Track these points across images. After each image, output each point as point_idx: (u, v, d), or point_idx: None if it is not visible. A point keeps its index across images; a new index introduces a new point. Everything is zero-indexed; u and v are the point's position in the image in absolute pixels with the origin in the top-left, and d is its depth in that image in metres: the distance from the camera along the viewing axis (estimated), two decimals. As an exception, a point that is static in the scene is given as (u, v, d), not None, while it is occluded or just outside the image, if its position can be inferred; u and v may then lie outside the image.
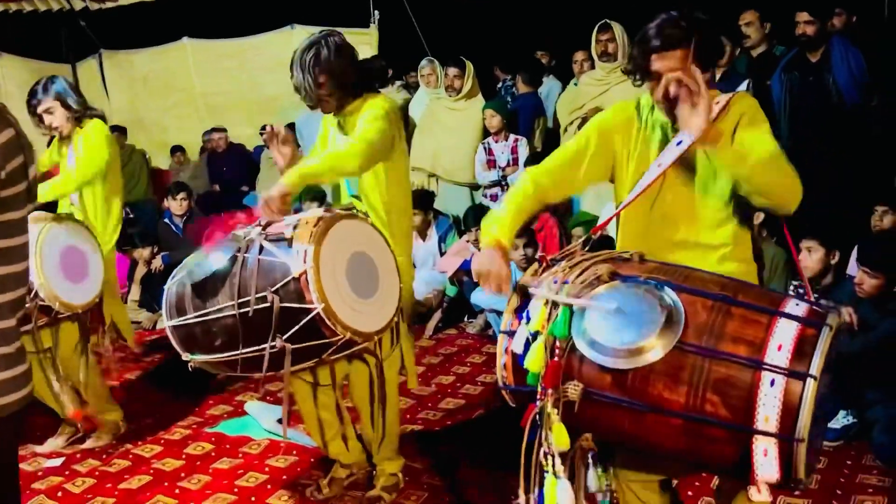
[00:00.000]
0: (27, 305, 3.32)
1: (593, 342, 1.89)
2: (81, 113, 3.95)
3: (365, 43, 7.56)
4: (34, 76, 8.96)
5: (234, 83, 8.68)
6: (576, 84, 5.95)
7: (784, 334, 1.79)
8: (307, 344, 2.69)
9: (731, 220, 2.27)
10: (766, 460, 1.77)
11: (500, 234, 2.27)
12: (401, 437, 3.53)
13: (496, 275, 2.19)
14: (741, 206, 2.26)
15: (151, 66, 9.27)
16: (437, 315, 5.55)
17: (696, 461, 1.96)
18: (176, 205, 6.39)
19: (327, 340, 2.69)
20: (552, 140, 6.11)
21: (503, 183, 5.92)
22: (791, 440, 1.72)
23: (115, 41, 9.32)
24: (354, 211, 3.04)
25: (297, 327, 2.64)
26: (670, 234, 2.29)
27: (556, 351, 1.93)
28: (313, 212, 2.89)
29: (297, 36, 7.93)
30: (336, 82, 2.98)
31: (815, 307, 1.91)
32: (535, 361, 1.95)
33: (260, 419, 4.11)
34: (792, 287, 4.04)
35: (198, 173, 8.69)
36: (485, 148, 5.97)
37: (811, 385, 1.72)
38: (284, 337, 2.65)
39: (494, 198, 5.96)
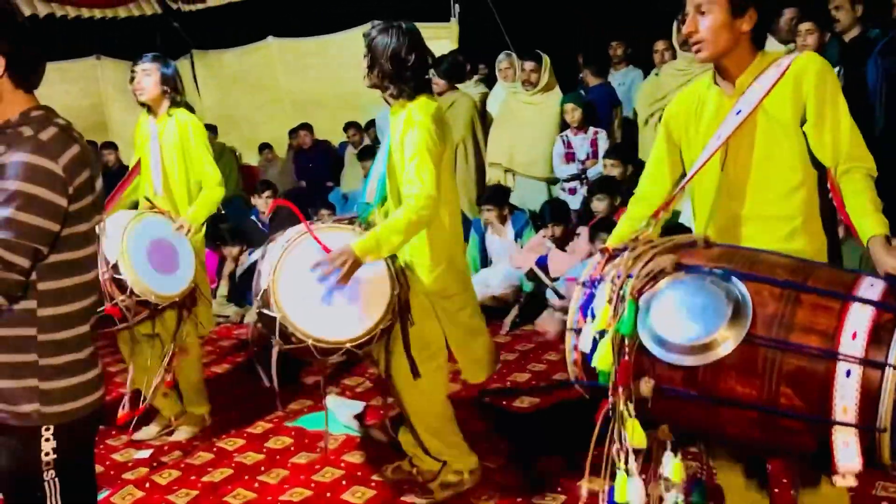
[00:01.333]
0: (126, 301, 3.56)
1: (661, 339, 1.86)
2: (174, 95, 4.01)
3: (445, 37, 7.61)
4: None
5: (317, 80, 8.86)
6: (657, 74, 5.82)
7: (858, 321, 1.72)
8: (293, 347, 2.86)
9: (799, 189, 2.21)
10: (847, 451, 1.72)
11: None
12: (473, 435, 3.58)
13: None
14: (810, 174, 2.21)
15: (239, 64, 9.55)
16: (514, 311, 5.54)
17: (775, 451, 1.96)
18: (262, 202, 6.59)
19: (304, 345, 2.83)
20: (631, 131, 6.00)
21: (583, 176, 5.85)
22: (873, 430, 1.67)
23: (205, 41, 9.63)
24: (349, 219, 3.13)
25: (278, 331, 2.83)
26: (737, 208, 2.25)
27: (625, 349, 1.90)
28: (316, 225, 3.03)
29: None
30: (379, 71, 2.98)
31: (894, 285, 1.80)
32: (603, 360, 1.93)
33: (337, 414, 4.21)
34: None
35: (285, 169, 8.92)
36: (563, 141, 5.91)
37: (890, 374, 1.66)
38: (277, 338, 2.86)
39: (573, 192, 5.90)
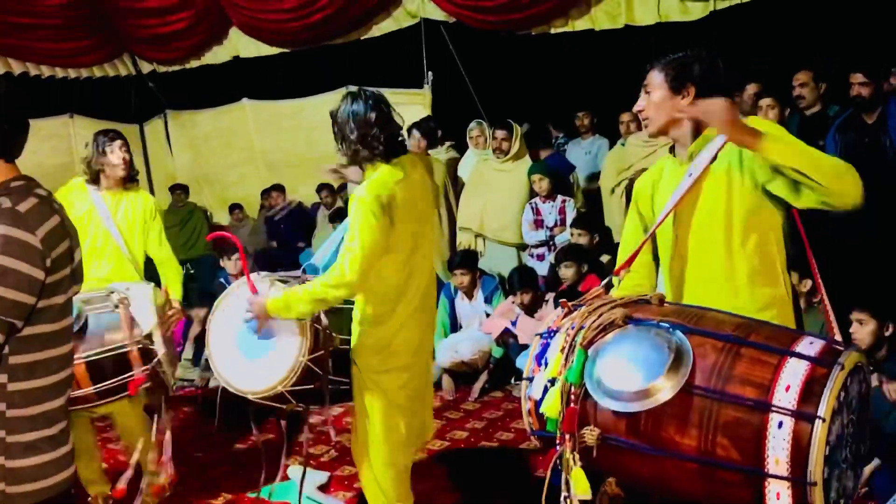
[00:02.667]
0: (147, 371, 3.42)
1: (604, 387, 1.90)
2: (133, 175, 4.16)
3: (418, 103, 7.71)
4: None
5: (291, 142, 8.91)
6: (623, 145, 5.94)
7: (793, 375, 1.77)
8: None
9: (742, 247, 2.32)
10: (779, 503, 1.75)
11: None
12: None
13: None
14: (761, 232, 2.32)
15: (213, 125, 9.58)
16: (483, 377, 5.52)
17: None
18: (231, 265, 6.54)
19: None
20: (597, 200, 6.09)
21: (551, 243, 5.91)
22: (804, 483, 1.69)
23: (180, 102, 9.68)
24: (295, 276, 3.27)
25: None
26: (684, 269, 2.39)
27: (572, 397, 1.95)
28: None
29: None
30: (347, 140, 3.00)
31: (833, 345, 1.85)
32: (551, 407, 1.98)
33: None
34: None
35: (256, 230, 8.90)
36: (532, 208, 5.98)
37: (819, 426, 1.69)
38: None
39: (541, 258, 5.95)
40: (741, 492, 1.79)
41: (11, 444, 1.81)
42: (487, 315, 5.69)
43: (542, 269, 5.82)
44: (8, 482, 1.81)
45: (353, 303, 3.14)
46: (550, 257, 5.82)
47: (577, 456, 1.94)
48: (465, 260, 5.71)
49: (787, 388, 1.75)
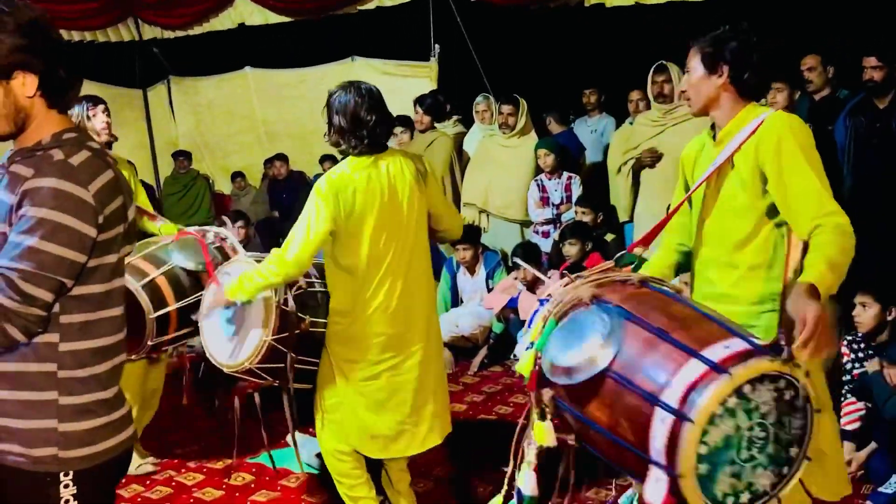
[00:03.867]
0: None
1: (551, 358, 2.13)
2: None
3: (424, 76, 7.67)
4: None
5: (293, 111, 8.85)
6: (631, 123, 5.90)
7: (686, 375, 1.91)
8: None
9: (748, 242, 2.42)
10: (656, 487, 1.92)
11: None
12: (438, 478, 3.54)
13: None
14: (768, 228, 2.41)
15: (216, 92, 9.52)
16: (483, 352, 5.53)
17: (632, 475, 2.13)
18: (233, 232, 6.53)
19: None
20: (602, 178, 6.06)
21: (557, 221, 5.89)
22: (673, 474, 1.87)
23: (183, 68, 9.61)
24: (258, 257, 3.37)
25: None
26: (704, 252, 2.48)
27: (538, 360, 2.17)
28: None
29: (358, 68, 8.07)
30: (335, 129, 3.06)
31: (754, 351, 1.93)
32: (524, 367, 2.20)
33: (301, 452, 4.14)
34: (846, 341, 3.92)
35: (258, 199, 8.88)
36: (538, 185, 5.96)
37: (687, 427, 1.84)
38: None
39: (546, 234, 5.94)
40: (637, 467, 2.00)
41: (64, 406, 1.75)
42: (489, 290, 5.69)
43: (546, 246, 5.81)
44: (61, 446, 1.74)
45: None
46: (555, 234, 5.81)
47: (538, 412, 2.22)
48: (467, 235, 5.69)
49: (674, 388, 1.90)
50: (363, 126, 3.00)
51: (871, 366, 3.54)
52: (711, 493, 1.93)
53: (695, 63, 2.45)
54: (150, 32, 9.13)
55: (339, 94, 3.05)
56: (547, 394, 2.17)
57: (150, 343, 3.55)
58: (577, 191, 5.85)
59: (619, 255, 2.46)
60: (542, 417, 2.22)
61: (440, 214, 3.26)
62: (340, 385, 3.17)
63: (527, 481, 2.29)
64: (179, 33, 8.88)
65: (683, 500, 1.89)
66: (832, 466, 2.55)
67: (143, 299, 3.48)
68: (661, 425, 1.89)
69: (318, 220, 2.97)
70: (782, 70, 5.21)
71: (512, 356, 5.65)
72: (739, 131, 2.39)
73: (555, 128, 6.58)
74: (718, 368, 1.88)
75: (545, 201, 5.94)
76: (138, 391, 3.87)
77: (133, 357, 3.61)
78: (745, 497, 1.99)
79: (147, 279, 3.52)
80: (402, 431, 3.20)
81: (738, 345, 1.96)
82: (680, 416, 1.86)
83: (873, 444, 3.69)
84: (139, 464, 3.99)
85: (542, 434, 2.22)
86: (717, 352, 1.94)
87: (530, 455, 2.28)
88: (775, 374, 1.92)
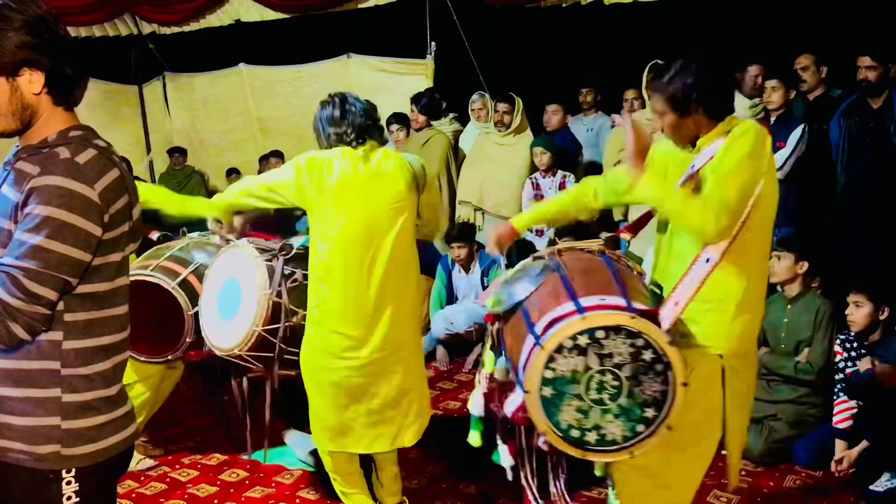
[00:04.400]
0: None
1: (496, 293, 2.67)
2: None
3: (420, 73, 7.66)
4: (103, 96, 9.41)
5: (288, 109, 8.83)
6: (625, 123, 5.90)
7: (556, 312, 2.30)
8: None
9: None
10: (512, 399, 2.40)
11: (517, 219, 3.08)
12: (433, 474, 3.55)
13: (494, 233, 2.98)
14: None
15: (211, 89, 9.49)
16: (477, 349, 5.53)
17: None
18: (227, 228, 6.52)
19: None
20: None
21: (550, 219, 5.90)
22: (523, 390, 2.28)
23: (179, 64, 9.59)
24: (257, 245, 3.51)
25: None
26: (672, 247, 2.61)
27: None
28: None
29: (354, 65, 8.06)
30: (319, 139, 3.23)
31: (624, 307, 2.25)
32: (486, 301, 2.70)
33: (295, 449, 4.15)
34: (839, 340, 3.94)
35: (253, 195, 8.87)
36: (532, 183, 5.97)
37: (537, 350, 2.25)
38: None
39: (540, 233, 5.94)
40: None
41: (67, 403, 1.75)
42: (484, 288, 5.69)
43: (540, 244, 5.81)
44: (64, 443, 1.74)
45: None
46: (549, 233, 5.81)
47: (490, 342, 2.74)
48: (462, 233, 5.71)
49: (543, 320, 2.30)
50: (344, 120, 3.10)
51: (863, 364, 3.56)
52: (556, 418, 2.27)
53: (662, 107, 2.49)
54: (146, 28, 9.11)
55: (317, 114, 3.19)
56: (494, 327, 2.65)
57: (188, 340, 3.66)
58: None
59: (609, 235, 2.62)
60: (492, 348, 2.67)
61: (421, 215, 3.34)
62: (311, 379, 3.21)
63: (475, 402, 2.71)
64: (175, 29, 8.87)
65: (529, 417, 2.29)
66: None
67: (181, 297, 3.60)
68: (526, 347, 2.29)
69: (276, 173, 3.17)
70: (778, 69, 5.22)
71: (506, 354, 5.67)
72: (712, 142, 2.47)
73: (554, 122, 6.43)
74: (581, 311, 2.24)
75: (539, 199, 5.94)
76: (153, 394, 3.91)
77: (170, 356, 3.73)
78: (591, 437, 2.28)
79: (180, 278, 3.65)
80: (350, 428, 3.21)
81: (613, 300, 2.29)
82: (536, 341, 2.26)
83: (864, 443, 3.71)
84: (139, 459, 4.01)
85: (490, 362, 2.69)
86: (591, 300, 2.28)
87: (481, 379, 2.70)
88: (632, 331, 2.19)
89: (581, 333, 2.22)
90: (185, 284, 3.66)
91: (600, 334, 2.21)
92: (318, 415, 3.24)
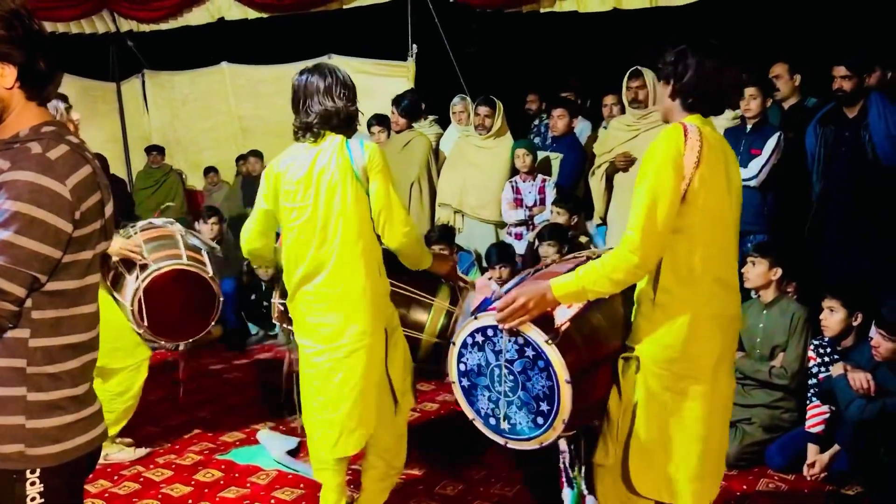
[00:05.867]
0: None
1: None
2: None
3: (402, 76, 7.66)
4: (81, 93, 9.31)
5: (270, 108, 8.79)
6: (605, 128, 5.95)
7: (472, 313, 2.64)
8: None
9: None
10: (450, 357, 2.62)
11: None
12: (406, 475, 3.57)
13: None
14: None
15: (192, 87, 9.45)
16: (456, 351, 5.52)
17: None
18: (207, 228, 6.49)
19: None
20: (579, 181, 6.10)
21: (530, 223, 5.92)
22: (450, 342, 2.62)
23: (159, 62, 9.54)
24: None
25: None
26: None
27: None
28: None
29: (335, 66, 8.02)
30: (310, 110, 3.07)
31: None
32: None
33: (270, 449, 4.14)
34: (812, 346, 3.98)
35: (231, 195, 8.82)
36: (512, 186, 5.98)
37: (451, 347, 2.57)
38: None
39: (519, 236, 5.96)
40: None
41: (32, 402, 1.71)
42: (462, 290, 5.69)
43: (520, 247, 5.83)
44: (28, 443, 1.71)
45: None
46: (529, 236, 5.83)
47: None
48: (442, 235, 5.70)
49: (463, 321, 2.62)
50: (300, 108, 2.99)
51: (836, 369, 3.60)
52: (476, 406, 2.52)
53: (652, 76, 2.59)
54: (124, 25, 9.03)
55: (311, 76, 3.03)
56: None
57: (213, 321, 4.08)
58: (550, 193, 5.88)
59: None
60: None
61: (377, 213, 3.03)
62: (302, 364, 3.19)
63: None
64: (155, 27, 8.80)
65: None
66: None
67: (216, 286, 4.03)
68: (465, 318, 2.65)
69: (258, 199, 3.15)
70: (756, 76, 5.28)
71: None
72: None
73: (560, 127, 6.18)
74: (476, 312, 2.53)
75: (519, 203, 5.96)
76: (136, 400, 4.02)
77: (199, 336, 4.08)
78: (505, 426, 2.48)
79: (209, 267, 4.02)
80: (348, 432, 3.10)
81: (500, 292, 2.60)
82: (451, 340, 2.60)
83: (836, 447, 3.76)
84: (120, 451, 4.09)
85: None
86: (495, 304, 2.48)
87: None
88: (512, 329, 2.36)
89: (476, 332, 2.46)
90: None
91: (490, 332, 2.43)
92: (312, 406, 3.17)
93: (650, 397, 2.43)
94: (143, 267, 3.82)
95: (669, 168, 2.31)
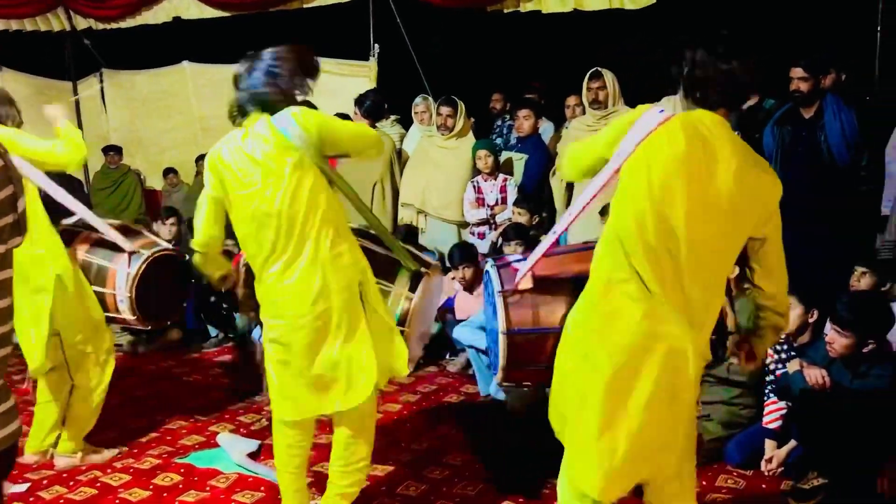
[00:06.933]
0: None
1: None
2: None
3: (364, 75, 7.63)
4: (35, 92, 9.14)
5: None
6: (566, 128, 5.98)
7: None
8: None
9: None
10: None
11: None
12: (371, 477, 3.55)
13: None
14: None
15: (151, 87, 9.34)
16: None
17: None
18: (165, 230, 6.40)
19: None
20: (542, 181, 6.12)
21: (492, 222, 5.93)
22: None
23: (118, 61, 9.40)
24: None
25: None
26: None
27: None
28: None
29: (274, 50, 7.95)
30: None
31: None
32: None
33: (230, 452, 4.08)
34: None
35: (191, 196, 8.70)
36: (474, 186, 5.99)
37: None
38: None
39: (482, 236, 5.97)
40: None
41: None
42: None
43: (482, 247, 5.84)
44: None
45: None
46: (491, 235, 5.84)
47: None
48: (405, 236, 5.69)
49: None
50: (236, 89, 3.02)
51: (792, 366, 3.65)
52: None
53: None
54: (82, 23, 8.88)
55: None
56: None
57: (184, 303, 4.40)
58: (512, 192, 5.90)
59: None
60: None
61: (345, 149, 3.07)
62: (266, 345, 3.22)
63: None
64: (113, 25, 8.66)
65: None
66: None
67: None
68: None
69: (205, 188, 3.10)
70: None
71: (447, 356, 5.67)
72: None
73: (526, 129, 6.19)
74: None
75: (480, 202, 5.97)
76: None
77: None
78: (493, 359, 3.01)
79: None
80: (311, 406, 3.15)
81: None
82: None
83: (793, 442, 3.81)
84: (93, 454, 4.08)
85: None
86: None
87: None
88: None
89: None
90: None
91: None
92: (275, 386, 3.18)
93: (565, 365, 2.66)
94: (135, 254, 3.97)
95: (614, 132, 2.45)
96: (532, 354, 2.77)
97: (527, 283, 2.79)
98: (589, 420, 2.40)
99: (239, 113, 3.01)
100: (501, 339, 2.76)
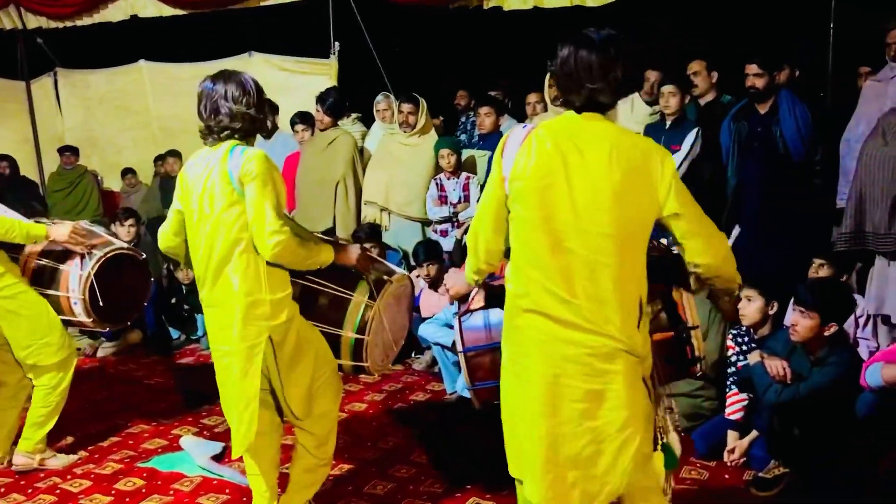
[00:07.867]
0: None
1: None
2: None
3: (324, 73, 7.58)
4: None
5: (190, 107, 8.49)
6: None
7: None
8: None
9: None
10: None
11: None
12: (335, 476, 3.52)
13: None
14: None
15: (108, 86, 9.17)
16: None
17: None
18: (123, 231, 6.28)
19: None
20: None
21: (454, 219, 5.93)
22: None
23: (72, 60, 9.21)
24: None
25: None
26: None
27: None
28: None
29: (255, 64, 7.89)
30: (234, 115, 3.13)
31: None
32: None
33: (194, 455, 4.03)
34: (731, 335, 4.09)
35: (150, 196, 8.57)
36: (437, 184, 5.98)
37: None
38: None
39: (444, 233, 5.97)
40: None
41: None
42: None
43: (446, 244, 5.84)
44: None
45: None
46: (455, 233, 5.84)
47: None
48: (369, 234, 5.66)
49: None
50: (203, 113, 3.08)
51: (753, 357, 3.71)
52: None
53: None
54: (33, 22, 8.68)
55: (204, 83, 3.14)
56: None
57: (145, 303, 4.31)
58: (475, 190, 5.90)
59: None
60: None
61: (250, 224, 2.92)
62: None
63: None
64: (68, 23, 8.49)
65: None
66: None
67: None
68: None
69: (174, 199, 3.16)
70: (673, 74, 5.40)
71: (412, 354, 5.66)
72: None
73: (487, 125, 6.28)
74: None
75: (443, 200, 5.97)
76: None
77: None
78: None
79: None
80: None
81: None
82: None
83: (755, 433, 3.87)
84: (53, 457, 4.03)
85: None
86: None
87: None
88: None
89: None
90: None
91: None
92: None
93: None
94: (87, 255, 3.87)
95: (494, 164, 2.54)
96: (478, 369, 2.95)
97: (479, 302, 2.94)
98: (530, 434, 2.43)
99: (210, 133, 3.06)
100: (461, 358, 2.97)
